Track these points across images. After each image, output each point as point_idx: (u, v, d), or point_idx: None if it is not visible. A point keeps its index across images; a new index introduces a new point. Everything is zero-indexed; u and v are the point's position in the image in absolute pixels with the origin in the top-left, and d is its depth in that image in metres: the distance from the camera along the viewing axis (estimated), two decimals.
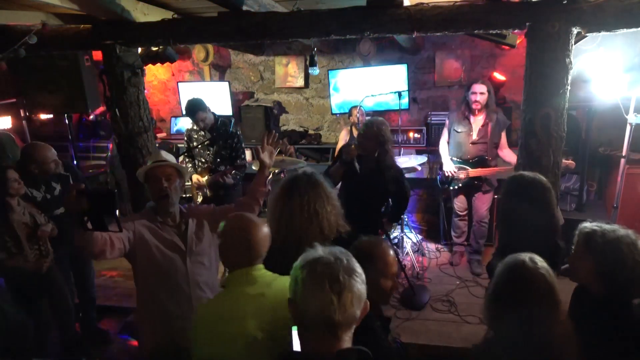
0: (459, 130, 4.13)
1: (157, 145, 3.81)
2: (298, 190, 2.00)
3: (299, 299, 1.18)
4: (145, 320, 2.35)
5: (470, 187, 4.22)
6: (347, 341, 1.19)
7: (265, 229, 1.75)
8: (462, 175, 4.14)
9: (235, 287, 1.72)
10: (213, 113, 4.02)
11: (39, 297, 3.06)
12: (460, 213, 4.41)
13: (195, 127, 4.10)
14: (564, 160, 3.49)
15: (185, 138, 4.17)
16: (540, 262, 1.56)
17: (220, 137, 3.99)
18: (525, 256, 1.58)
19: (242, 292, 1.68)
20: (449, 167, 4.18)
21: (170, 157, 2.34)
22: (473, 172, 4.10)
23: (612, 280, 1.68)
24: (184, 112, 5.85)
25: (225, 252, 1.76)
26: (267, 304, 1.63)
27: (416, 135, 5.25)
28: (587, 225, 1.79)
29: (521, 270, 1.54)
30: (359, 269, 1.21)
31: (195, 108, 3.86)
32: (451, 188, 4.28)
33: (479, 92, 3.95)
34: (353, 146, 3.24)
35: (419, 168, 4.60)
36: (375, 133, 3.23)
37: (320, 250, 1.22)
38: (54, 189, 3.23)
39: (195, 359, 1.71)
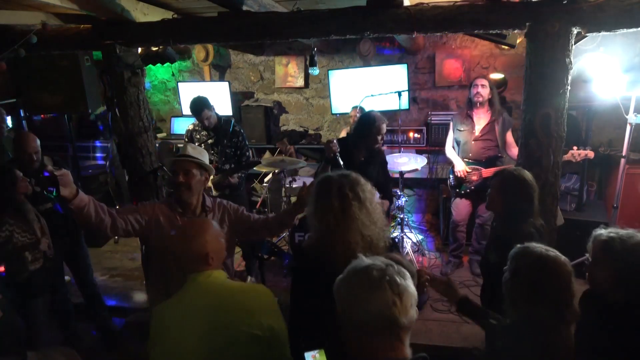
0: (462, 129, 4.11)
1: (157, 145, 3.81)
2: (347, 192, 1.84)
3: (354, 307, 1.16)
4: (155, 303, 2.40)
5: (482, 191, 3.92)
6: (408, 346, 1.18)
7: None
8: (474, 177, 4.03)
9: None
10: (216, 112, 4.04)
11: (33, 297, 3.04)
12: (459, 223, 4.24)
13: (196, 127, 4.10)
14: (582, 151, 3.51)
15: (186, 139, 4.16)
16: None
17: (225, 136, 3.99)
18: (542, 247, 1.63)
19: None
20: (461, 166, 4.07)
21: (197, 152, 2.39)
22: (486, 172, 3.97)
23: (633, 287, 1.66)
24: (184, 112, 5.88)
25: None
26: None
27: (416, 135, 5.24)
28: (603, 232, 1.76)
29: (546, 260, 1.59)
30: (407, 272, 1.22)
31: (201, 106, 3.88)
32: (462, 192, 4.13)
33: (481, 85, 3.93)
34: (332, 142, 3.22)
35: (419, 168, 4.60)
36: (372, 124, 3.33)
37: (366, 260, 1.24)
38: None
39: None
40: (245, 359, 1.62)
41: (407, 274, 1.21)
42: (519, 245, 1.69)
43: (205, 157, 2.43)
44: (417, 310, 1.20)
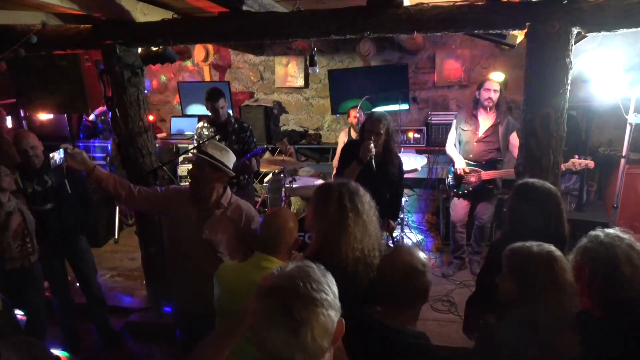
0: (465, 129, 4.06)
1: (157, 145, 3.81)
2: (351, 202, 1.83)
3: (258, 335, 1.03)
4: (171, 281, 2.74)
5: (480, 192, 4.05)
6: None
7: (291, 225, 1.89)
8: (473, 178, 4.00)
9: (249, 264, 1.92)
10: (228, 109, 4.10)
11: (22, 292, 3.05)
12: (458, 224, 4.22)
13: (205, 124, 4.11)
14: (582, 160, 3.50)
15: (196, 136, 4.17)
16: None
17: (233, 131, 4.02)
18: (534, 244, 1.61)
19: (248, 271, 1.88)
20: (460, 163, 4.02)
21: (216, 151, 2.48)
22: (486, 174, 3.96)
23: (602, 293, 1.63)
24: (184, 113, 5.88)
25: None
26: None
27: (416, 135, 5.25)
28: (598, 233, 1.70)
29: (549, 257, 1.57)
30: (322, 292, 1.02)
31: (219, 94, 3.93)
32: (460, 192, 4.11)
33: (493, 90, 3.86)
34: (372, 145, 3.08)
35: (419, 168, 4.60)
36: (387, 124, 3.19)
37: (275, 274, 1.06)
38: (46, 182, 3.23)
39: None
40: None
41: (318, 297, 1.01)
42: (512, 245, 1.68)
43: (226, 159, 2.49)
44: (337, 331, 1.03)
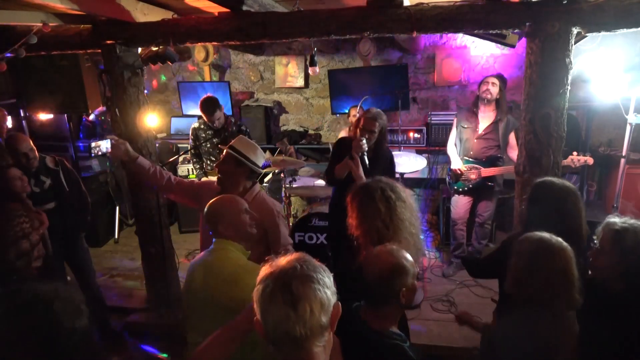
0: (465, 126, 4.08)
1: (157, 145, 3.80)
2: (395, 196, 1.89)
3: (261, 317, 1.11)
4: None
5: (480, 189, 4.07)
6: (319, 352, 1.11)
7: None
8: (473, 175, 4.03)
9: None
10: (224, 112, 4.08)
11: None
12: (458, 221, 4.25)
13: (202, 126, 4.10)
14: (581, 157, 3.51)
15: (192, 136, 4.15)
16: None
17: (231, 135, 4.01)
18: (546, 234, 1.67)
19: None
20: (457, 164, 4.07)
21: (243, 146, 2.51)
22: (485, 171, 3.97)
23: (635, 280, 1.68)
24: (184, 113, 5.87)
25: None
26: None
27: (416, 135, 5.24)
28: (617, 221, 1.77)
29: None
30: (318, 273, 1.11)
31: (214, 106, 3.91)
32: (460, 189, 4.13)
33: (491, 83, 3.88)
34: (363, 141, 3.09)
35: (419, 168, 4.59)
36: (382, 124, 3.21)
37: (276, 262, 1.15)
38: (44, 182, 3.22)
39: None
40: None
41: (315, 275, 1.10)
42: (526, 235, 1.73)
43: (252, 154, 2.52)
44: (334, 312, 1.11)
